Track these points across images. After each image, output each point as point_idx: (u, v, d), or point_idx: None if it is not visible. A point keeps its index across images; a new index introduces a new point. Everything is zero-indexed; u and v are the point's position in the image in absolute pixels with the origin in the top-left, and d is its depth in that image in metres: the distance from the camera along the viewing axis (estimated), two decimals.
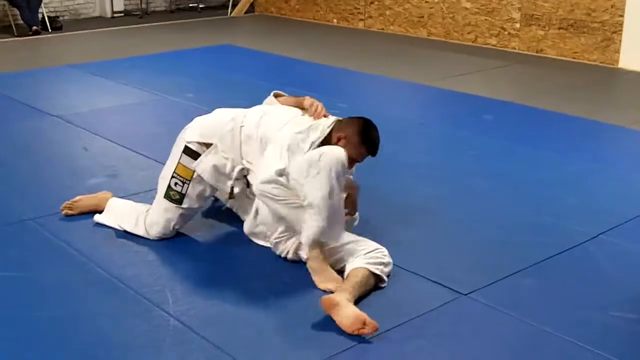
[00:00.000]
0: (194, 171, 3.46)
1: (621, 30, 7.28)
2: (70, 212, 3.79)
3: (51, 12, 9.89)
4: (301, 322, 2.91)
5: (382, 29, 9.39)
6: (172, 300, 3.03)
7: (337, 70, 7.25)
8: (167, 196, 3.49)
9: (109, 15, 10.59)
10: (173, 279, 3.21)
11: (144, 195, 4.04)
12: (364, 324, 2.76)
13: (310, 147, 3.23)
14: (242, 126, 3.45)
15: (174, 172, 3.48)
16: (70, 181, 4.32)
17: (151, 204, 3.59)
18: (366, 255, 3.16)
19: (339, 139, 3.30)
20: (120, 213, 3.67)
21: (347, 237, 3.24)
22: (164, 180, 3.53)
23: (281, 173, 3.16)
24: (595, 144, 5.04)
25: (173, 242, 3.56)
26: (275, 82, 6.54)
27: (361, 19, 9.64)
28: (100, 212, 3.74)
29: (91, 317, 2.94)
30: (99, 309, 3.00)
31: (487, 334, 2.86)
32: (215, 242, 3.61)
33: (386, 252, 3.22)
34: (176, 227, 3.55)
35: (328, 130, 3.34)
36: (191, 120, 3.66)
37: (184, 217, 3.55)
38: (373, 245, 3.23)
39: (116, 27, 9.72)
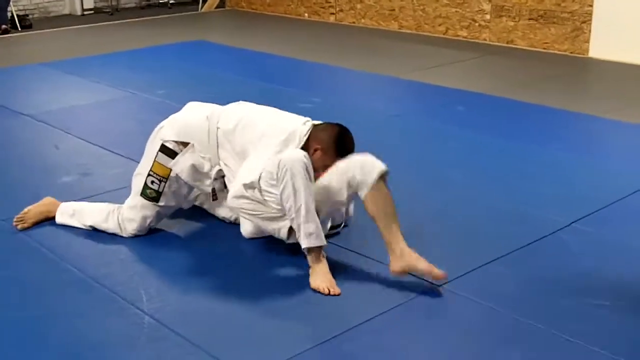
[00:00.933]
0: (171, 169, 3.45)
1: (590, 20, 7.33)
2: (24, 224, 3.60)
3: (20, 10, 9.80)
4: (278, 316, 2.91)
5: (354, 22, 9.39)
6: (146, 298, 3.02)
7: (310, 64, 7.25)
8: (144, 194, 3.47)
9: (79, 12, 10.50)
10: (147, 277, 3.20)
11: (116, 193, 4.01)
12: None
13: None
14: (218, 127, 3.45)
15: (151, 170, 3.46)
16: (42, 180, 4.29)
17: (122, 202, 3.57)
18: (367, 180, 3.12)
19: (315, 150, 3.31)
20: (81, 212, 3.62)
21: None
22: (139, 177, 3.51)
23: (251, 186, 3.20)
24: (568, 134, 5.08)
25: (146, 239, 3.54)
26: (247, 77, 6.55)
27: (332, 13, 9.63)
28: (53, 217, 3.65)
29: (66, 317, 2.92)
30: (73, 309, 2.98)
31: (462, 324, 2.87)
32: (188, 238, 3.59)
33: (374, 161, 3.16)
34: (151, 224, 3.54)
35: (305, 139, 3.34)
36: (164, 117, 3.64)
37: (160, 214, 3.54)
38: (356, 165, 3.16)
39: (86, 25, 9.64)
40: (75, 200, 3.80)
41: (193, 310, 2.95)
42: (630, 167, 4.38)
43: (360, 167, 3.13)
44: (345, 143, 3.37)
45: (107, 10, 10.59)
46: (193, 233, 3.64)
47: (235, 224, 3.58)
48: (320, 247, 3.15)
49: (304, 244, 3.13)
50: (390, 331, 2.81)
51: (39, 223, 3.65)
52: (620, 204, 3.88)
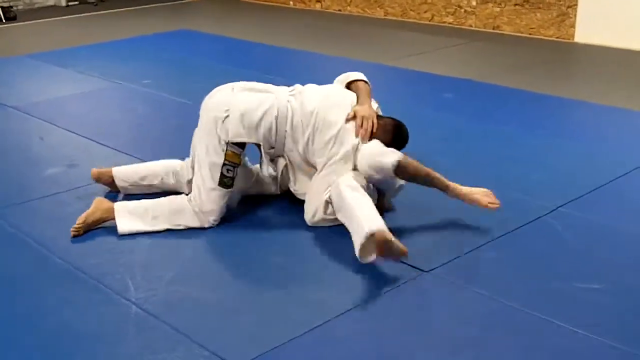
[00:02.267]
0: (243, 157, 3.57)
1: (576, 5, 7.34)
2: (77, 233, 3.45)
3: (5, 2, 9.71)
4: (266, 304, 2.90)
5: (339, 10, 9.36)
6: (133, 288, 3.01)
7: (296, 52, 7.23)
8: (222, 184, 3.48)
9: (63, 4, 10.43)
10: (134, 267, 3.18)
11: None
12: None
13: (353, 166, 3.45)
14: (285, 131, 3.49)
15: (225, 160, 3.45)
16: (28, 172, 4.27)
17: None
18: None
19: None
20: (147, 214, 3.49)
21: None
22: (209, 168, 3.46)
23: (327, 203, 3.42)
24: (554, 119, 5.08)
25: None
26: (233, 66, 6.52)
27: (318, 1, 9.60)
28: (111, 219, 3.50)
29: (54, 308, 2.91)
30: (61, 300, 2.97)
31: (452, 309, 2.88)
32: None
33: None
34: (229, 207, 3.59)
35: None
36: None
37: (232, 196, 3.60)
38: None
39: (71, 16, 9.58)
40: (65, 191, 3.78)
41: (181, 300, 2.94)
42: (615, 151, 4.39)
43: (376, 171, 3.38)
44: (402, 139, 3.61)
45: (92, 1, 10.52)
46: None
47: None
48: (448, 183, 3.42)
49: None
50: (379, 317, 2.81)
51: (94, 229, 3.51)
52: (606, 188, 3.89)
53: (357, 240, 3.11)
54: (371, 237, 3.06)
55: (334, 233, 3.44)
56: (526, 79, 6.07)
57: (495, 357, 2.57)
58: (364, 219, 3.14)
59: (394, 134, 3.58)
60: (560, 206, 3.66)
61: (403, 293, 2.97)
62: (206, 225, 3.51)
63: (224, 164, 3.45)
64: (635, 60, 6.65)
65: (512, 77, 6.10)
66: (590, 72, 6.49)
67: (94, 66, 6.64)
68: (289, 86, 3.68)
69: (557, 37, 7.54)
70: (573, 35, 7.43)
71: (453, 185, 3.47)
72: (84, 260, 3.24)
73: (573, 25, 7.41)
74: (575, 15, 7.38)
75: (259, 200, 3.80)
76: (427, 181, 3.45)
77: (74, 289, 3.04)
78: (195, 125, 3.61)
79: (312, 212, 3.48)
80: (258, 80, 3.78)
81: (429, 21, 8.53)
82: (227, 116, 3.44)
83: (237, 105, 3.46)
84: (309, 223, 3.51)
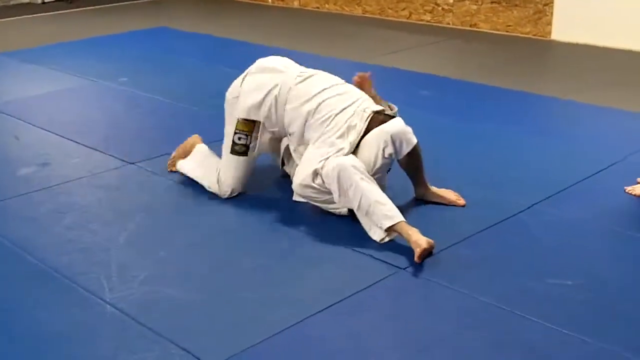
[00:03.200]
0: (255, 123, 3.70)
1: (552, 3, 7.36)
2: (174, 168, 4.08)
3: None
4: (242, 303, 2.90)
5: (318, 7, 9.35)
6: (108, 288, 2.99)
7: (274, 50, 7.15)
8: (233, 151, 3.73)
9: (39, 1, 10.35)
10: (108, 266, 3.17)
11: (77, 182, 3.99)
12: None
13: (350, 149, 3.49)
14: (284, 110, 3.63)
15: (236, 128, 3.71)
16: (1, 171, 4.24)
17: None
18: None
19: None
20: (199, 166, 3.93)
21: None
22: (227, 137, 3.76)
23: (315, 173, 3.45)
24: (531, 116, 5.10)
25: (105, 227, 3.52)
26: (211, 63, 6.51)
27: None
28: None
29: (27, 309, 2.89)
30: (34, 300, 2.95)
31: (428, 307, 2.89)
32: (148, 226, 3.57)
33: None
34: (243, 180, 3.78)
35: (365, 125, 3.53)
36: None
37: (250, 167, 3.77)
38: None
39: (47, 13, 9.50)
40: (39, 190, 3.77)
41: (156, 300, 2.93)
42: (591, 149, 4.42)
43: (394, 142, 3.46)
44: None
45: None
46: (153, 222, 3.61)
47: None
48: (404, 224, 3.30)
49: (385, 225, 3.29)
50: (354, 315, 2.81)
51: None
52: (581, 185, 3.91)
53: (377, 232, 3.32)
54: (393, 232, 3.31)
55: (312, 233, 3.44)
56: (503, 76, 6.09)
57: (469, 354, 2.58)
58: (387, 211, 3.31)
59: None
60: (535, 203, 3.68)
61: (379, 290, 2.98)
62: (221, 196, 3.77)
63: (235, 132, 3.70)
64: (612, 58, 6.69)
65: (488, 75, 6.12)
66: (566, 70, 6.52)
67: (70, 64, 6.59)
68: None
69: (533, 35, 7.57)
70: (550, 33, 7.46)
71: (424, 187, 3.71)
72: (58, 260, 3.22)
73: (550, 23, 7.44)
74: (551, 13, 7.41)
75: (234, 201, 3.79)
76: (418, 169, 3.65)
77: (47, 288, 3.02)
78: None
79: (301, 177, 3.50)
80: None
81: (407, 19, 8.53)
82: (237, 97, 3.74)
83: (244, 88, 3.74)
84: (295, 189, 3.54)
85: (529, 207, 3.64)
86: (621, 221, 3.52)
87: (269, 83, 3.67)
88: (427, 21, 8.35)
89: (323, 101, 3.58)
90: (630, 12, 6.85)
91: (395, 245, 3.31)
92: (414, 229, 3.24)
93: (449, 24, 8.19)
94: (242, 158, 3.73)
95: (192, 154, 4.01)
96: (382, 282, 3.02)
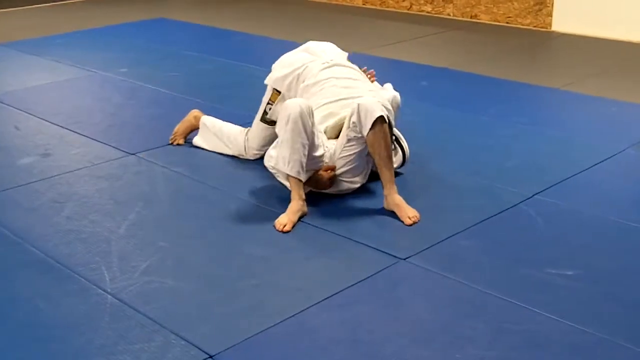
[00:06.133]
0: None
1: None
2: (177, 141, 4.38)
3: None
4: (242, 294, 2.90)
5: None
6: (109, 278, 2.99)
7: (273, 40, 7.19)
8: (263, 120, 4.02)
9: None
10: (109, 256, 3.17)
11: (78, 173, 3.99)
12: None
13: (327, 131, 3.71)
14: (301, 85, 3.90)
15: (269, 99, 4.00)
16: (2, 161, 4.23)
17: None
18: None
19: None
20: (215, 134, 4.22)
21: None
22: (262, 105, 4.03)
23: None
24: (531, 107, 5.10)
25: (106, 217, 3.52)
26: (210, 54, 6.50)
27: None
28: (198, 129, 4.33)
29: (28, 298, 2.89)
30: (35, 290, 2.95)
31: (428, 297, 2.89)
32: (149, 216, 3.57)
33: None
34: (267, 147, 3.88)
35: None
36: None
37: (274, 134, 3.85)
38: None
39: (46, 4, 9.48)
40: (39, 181, 3.77)
41: (156, 290, 2.93)
42: (591, 139, 4.42)
43: (359, 111, 3.46)
44: None
45: None
46: (153, 212, 3.61)
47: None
48: (298, 184, 3.48)
49: (285, 171, 3.50)
50: (353, 305, 2.81)
51: (188, 134, 4.38)
52: (581, 175, 3.91)
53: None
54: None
55: (311, 224, 3.44)
56: (503, 67, 6.08)
57: (469, 343, 2.59)
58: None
59: None
60: (535, 194, 3.68)
61: (379, 281, 2.98)
62: (247, 156, 4.11)
63: (268, 102, 4.00)
64: (611, 49, 6.69)
65: (488, 66, 6.12)
66: (566, 61, 6.51)
67: (70, 55, 6.58)
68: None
69: (534, 26, 7.56)
70: (550, 24, 7.45)
71: (393, 189, 3.52)
72: (59, 250, 3.22)
73: (550, 14, 7.43)
74: (552, 4, 7.40)
75: (234, 191, 3.79)
76: (381, 158, 3.50)
77: (48, 278, 3.02)
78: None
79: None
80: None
81: (408, 10, 8.52)
82: (272, 70, 4.07)
83: (282, 61, 4.08)
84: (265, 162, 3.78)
85: (528, 198, 3.64)
86: (621, 211, 3.52)
87: (299, 62, 3.96)
88: (428, 12, 8.34)
89: (325, 88, 3.78)
90: (631, 4, 6.84)
91: (395, 235, 3.31)
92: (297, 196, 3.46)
93: (449, 15, 8.17)
94: (270, 127, 3.96)
95: (202, 128, 4.29)
96: (381, 273, 3.03)
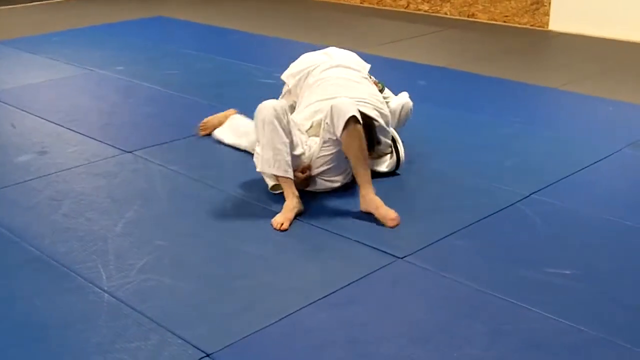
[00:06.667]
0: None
1: None
2: (203, 132, 4.44)
3: None
4: (239, 292, 2.90)
5: None
6: (105, 276, 2.99)
7: (271, 39, 7.19)
8: None
9: None
10: (106, 255, 3.16)
11: (75, 171, 3.98)
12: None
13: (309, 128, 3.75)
14: (305, 83, 4.01)
15: (282, 94, 4.14)
16: None
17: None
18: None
19: None
20: (230, 127, 4.34)
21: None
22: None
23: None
24: (528, 107, 5.10)
25: (103, 216, 3.51)
26: (208, 53, 6.49)
27: None
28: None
29: (24, 296, 2.89)
30: (32, 288, 2.94)
31: (425, 296, 2.89)
32: (146, 214, 3.56)
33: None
34: None
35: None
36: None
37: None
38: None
39: (43, 2, 9.47)
40: (36, 178, 3.76)
41: (153, 289, 2.92)
42: (588, 139, 4.42)
43: (332, 112, 3.45)
44: None
45: None
46: (151, 211, 3.60)
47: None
48: (288, 182, 3.49)
49: (272, 172, 3.51)
50: (351, 305, 2.81)
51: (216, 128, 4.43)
52: (578, 175, 3.91)
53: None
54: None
55: (309, 222, 3.44)
56: (500, 66, 6.09)
57: (466, 343, 2.58)
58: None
59: None
60: (532, 193, 3.68)
61: (376, 280, 2.98)
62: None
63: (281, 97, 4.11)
64: (609, 48, 6.69)
65: (486, 65, 6.12)
66: (564, 60, 6.51)
67: (67, 53, 6.57)
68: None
69: (531, 25, 7.57)
70: (547, 23, 7.45)
71: (370, 189, 3.49)
72: (55, 248, 3.21)
73: (547, 14, 7.44)
74: (549, 4, 7.40)
75: (232, 190, 3.79)
76: (358, 160, 3.47)
77: (44, 277, 3.02)
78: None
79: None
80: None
81: (405, 9, 8.52)
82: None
83: (297, 60, 4.17)
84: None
85: (526, 197, 3.64)
86: (618, 211, 3.52)
87: (312, 62, 4.07)
88: (425, 11, 8.34)
89: (321, 85, 3.87)
90: (628, 3, 6.85)
91: (393, 234, 3.31)
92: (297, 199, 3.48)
93: (446, 14, 8.17)
94: None
95: (227, 123, 4.39)
96: (378, 272, 3.02)
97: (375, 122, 3.72)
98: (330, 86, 3.84)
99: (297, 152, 3.55)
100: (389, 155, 3.88)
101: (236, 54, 6.40)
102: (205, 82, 5.64)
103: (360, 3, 8.89)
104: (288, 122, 3.51)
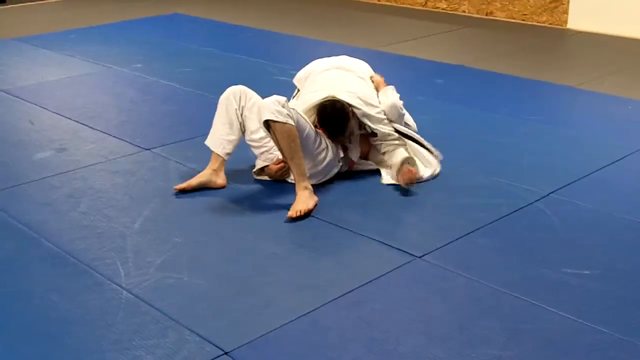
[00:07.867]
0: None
1: None
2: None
3: None
4: (256, 290, 2.90)
5: None
6: (124, 273, 2.99)
7: (288, 37, 7.20)
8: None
9: None
10: (124, 252, 3.17)
11: (93, 168, 3.99)
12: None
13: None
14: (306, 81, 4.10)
15: (293, 95, 4.19)
16: (17, 156, 4.24)
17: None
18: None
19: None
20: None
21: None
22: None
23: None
24: (546, 105, 5.07)
25: (122, 214, 3.51)
26: (224, 50, 6.50)
27: None
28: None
29: (43, 292, 2.90)
30: (50, 284, 2.95)
31: (443, 295, 2.88)
32: (164, 212, 3.57)
33: None
34: None
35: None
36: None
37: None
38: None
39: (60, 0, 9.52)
40: (54, 175, 3.79)
41: (171, 286, 2.93)
42: (607, 138, 4.39)
43: (256, 113, 3.59)
44: (324, 119, 3.78)
45: None
46: (168, 208, 3.61)
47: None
48: (215, 158, 3.74)
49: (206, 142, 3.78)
50: (370, 303, 2.81)
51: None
52: (597, 174, 3.89)
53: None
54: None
55: (327, 220, 3.43)
56: (518, 65, 6.06)
57: (484, 342, 2.57)
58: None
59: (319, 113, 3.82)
60: (551, 192, 3.66)
61: (394, 279, 2.97)
62: None
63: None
64: (627, 47, 6.65)
65: (504, 63, 6.09)
66: (582, 59, 6.48)
67: (85, 50, 6.60)
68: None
69: (549, 24, 7.53)
70: (566, 22, 7.41)
71: (305, 184, 3.56)
72: (74, 245, 3.22)
73: (566, 12, 7.40)
74: (568, 2, 7.36)
75: (250, 188, 3.79)
76: (284, 154, 3.55)
77: (63, 273, 3.03)
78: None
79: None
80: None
81: (423, 6, 8.50)
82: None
83: (309, 63, 4.22)
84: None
85: (544, 196, 3.62)
86: (638, 211, 3.49)
87: (319, 65, 4.13)
88: (443, 9, 8.31)
89: (314, 82, 3.99)
90: None
91: (411, 233, 3.30)
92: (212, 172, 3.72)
93: (464, 12, 8.15)
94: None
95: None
96: (397, 270, 3.02)
97: (356, 110, 3.81)
98: (319, 80, 3.97)
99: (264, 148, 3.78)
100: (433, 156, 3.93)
101: (252, 51, 6.40)
102: (224, 80, 5.63)
103: (378, 1, 8.87)
104: (239, 106, 3.77)
